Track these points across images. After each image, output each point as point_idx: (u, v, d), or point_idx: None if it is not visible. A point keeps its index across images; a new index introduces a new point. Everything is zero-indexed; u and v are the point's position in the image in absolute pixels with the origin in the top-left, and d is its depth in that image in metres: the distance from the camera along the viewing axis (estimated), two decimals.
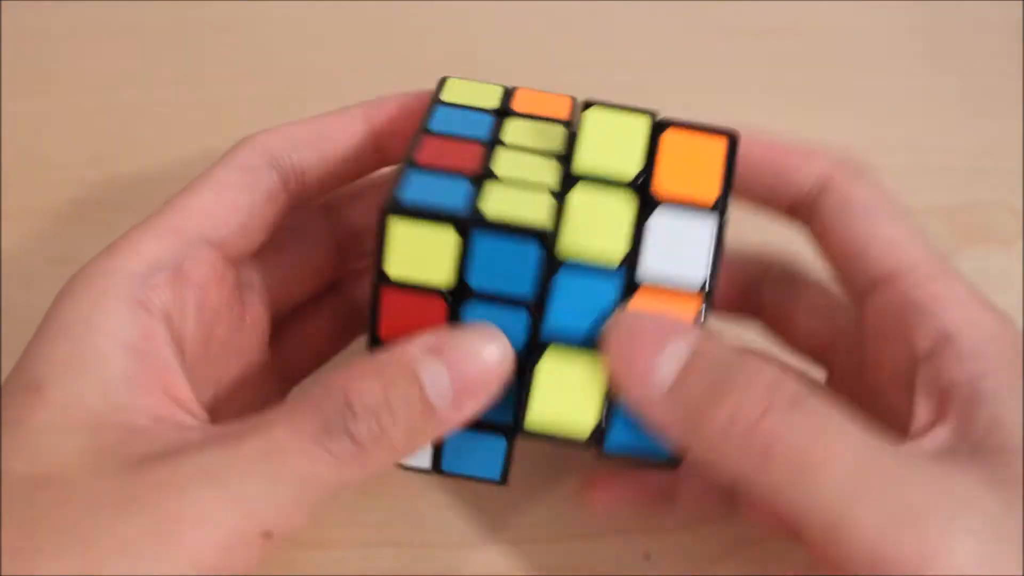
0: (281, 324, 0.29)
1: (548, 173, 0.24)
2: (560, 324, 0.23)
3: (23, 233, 0.36)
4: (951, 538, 0.19)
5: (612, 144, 0.23)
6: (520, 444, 0.25)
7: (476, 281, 0.23)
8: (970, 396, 0.22)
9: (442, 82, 0.27)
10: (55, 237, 0.36)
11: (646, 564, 0.30)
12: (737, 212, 0.25)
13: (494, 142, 0.25)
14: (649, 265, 0.23)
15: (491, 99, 0.27)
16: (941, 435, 0.22)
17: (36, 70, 0.40)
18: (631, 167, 0.23)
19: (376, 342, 0.23)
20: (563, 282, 0.23)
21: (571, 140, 0.25)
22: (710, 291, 0.23)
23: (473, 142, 0.25)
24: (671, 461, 0.24)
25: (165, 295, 0.23)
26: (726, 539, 0.30)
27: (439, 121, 0.25)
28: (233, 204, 0.25)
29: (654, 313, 0.23)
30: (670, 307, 0.23)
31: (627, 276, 0.23)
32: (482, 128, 0.25)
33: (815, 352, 0.29)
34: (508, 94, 0.27)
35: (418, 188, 0.23)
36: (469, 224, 0.22)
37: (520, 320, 0.23)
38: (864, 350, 0.26)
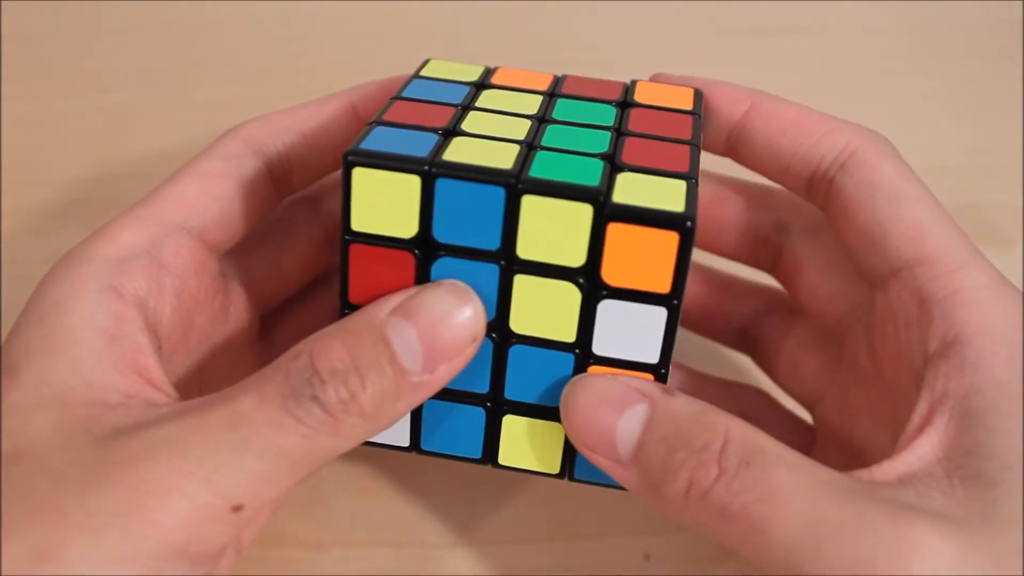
0: (270, 317, 0.29)
1: (518, 130, 0.23)
2: (518, 391, 0.23)
3: (23, 233, 0.36)
4: None
5: (554, 233, 0.22)
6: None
7: (442, 233, 0.22)
8: (961, 413, 0.21)
9: (425, 63, 0.27)
10: (55, 237, 0.36)
11: (646, 564, 0.30)
12: None
13: (467, 107, 0.24)
14: (602, 347, 0.23)
15: (470, 75, 0.26)
16: (923, 450, 0.21)
17: (36, 70, 0.40)
18: (576, 257, 0.22)
19: (348, 307, 0.23)
20: (518, 353, 0.23)
21: (548, 104, 0.25)
22: (665, 372, 0.23)
23: (444, 105, 0.24)
24: None
25: (140, 281, 0.23)
26: None
27: (412, 90, 0.25)
28: (214, 192, 0.25)
29: (611, 376, 0.22)
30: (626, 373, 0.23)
31: (581, 352, 0.23)
32: (456, 96, 0.25)
33: (828, 319, 0.28)
34: (489, 72, 0.27)
35: (381, 140, 0.22)
36: (432, 169, 0.21)
37: (492, 275, 0.22)
38: (876, 336, 0.25)
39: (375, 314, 0.21)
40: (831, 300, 0.27)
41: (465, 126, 0.23)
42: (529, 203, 0.21)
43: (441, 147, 0.22)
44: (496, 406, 0.24)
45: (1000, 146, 0.40)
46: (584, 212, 0.21)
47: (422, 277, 0.22)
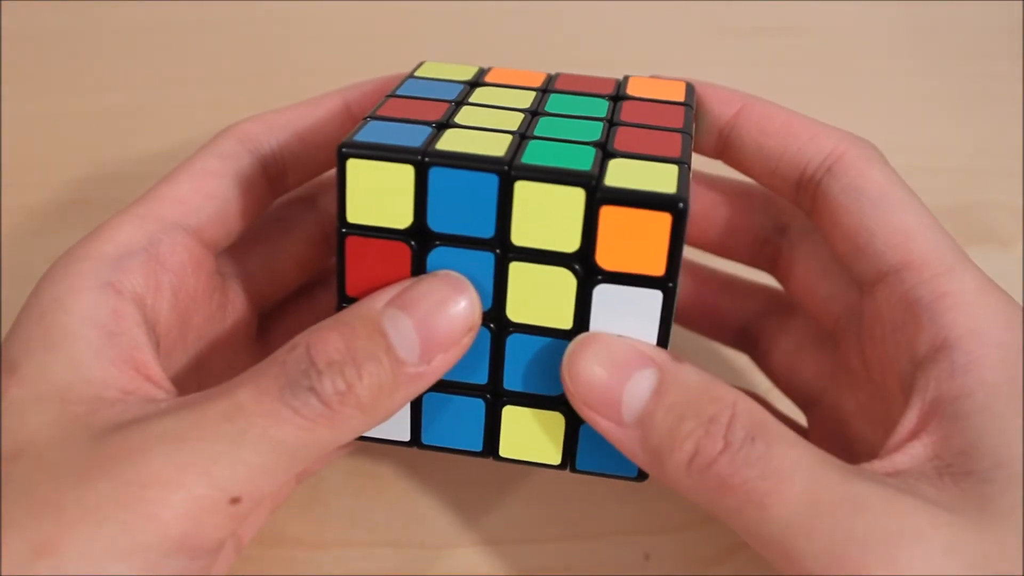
0: (269, 317, 0.29)
1: (511, 122, 0.23)
2: (517, 381, 0.23)
3: (23, 233, 0.36)
4: (892, 572, 0.19)
5: (548, 219, 0.22)
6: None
7: (437, 222, 0.22)
8: (953, 415, 0.21)
9: (419, 65, 0.27)
10: (55, 237, 0.36)
11: (646, 564, 0.30)
12: None
13: (460, 102, 0.25)
14: (599, 330, 0.23)
15: (464, 75, 0.27)
16: (914, 451, 0.22)
17: (36, 70, 0.40)
18: (570, 242, 0.22)
19: (345, 300, 0.23)
20: (516, 342, 0.23)
21: (541, 99, 0.25)
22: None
23: (438, 101, 0.24)
24: (640, 477, 0.24)
25: (137, 278, 0.23)
26: (726, 539, 0.30)
27: (406, 88, 0.25)
28: (210, 191, 0.25)
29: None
30: None
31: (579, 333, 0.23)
32: (450, 93, 0.25)
33: (825, 320, 0.28)
34: (482, 72, 0.27)
35: (375, 132, 0.22)
36: (425, 158, 0.21)
37: (487, 263, 0.22)
38: (865, 340, 0.25)
39: (371, 306, 0.22)
40: (828, 302, 0.27)
41: (458, 119, 0.23)
42: (522, 189, 0.21)
43: (434, 138, 0.22)
44: (496, 397, 0.24)
45: (1000, 146, 0.40)
46: (577, 196, 0.21)
47: (418, 268, 0.22)
